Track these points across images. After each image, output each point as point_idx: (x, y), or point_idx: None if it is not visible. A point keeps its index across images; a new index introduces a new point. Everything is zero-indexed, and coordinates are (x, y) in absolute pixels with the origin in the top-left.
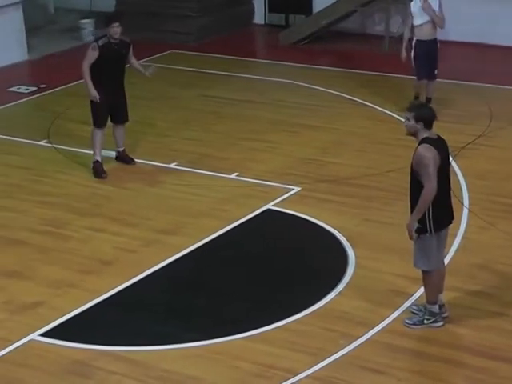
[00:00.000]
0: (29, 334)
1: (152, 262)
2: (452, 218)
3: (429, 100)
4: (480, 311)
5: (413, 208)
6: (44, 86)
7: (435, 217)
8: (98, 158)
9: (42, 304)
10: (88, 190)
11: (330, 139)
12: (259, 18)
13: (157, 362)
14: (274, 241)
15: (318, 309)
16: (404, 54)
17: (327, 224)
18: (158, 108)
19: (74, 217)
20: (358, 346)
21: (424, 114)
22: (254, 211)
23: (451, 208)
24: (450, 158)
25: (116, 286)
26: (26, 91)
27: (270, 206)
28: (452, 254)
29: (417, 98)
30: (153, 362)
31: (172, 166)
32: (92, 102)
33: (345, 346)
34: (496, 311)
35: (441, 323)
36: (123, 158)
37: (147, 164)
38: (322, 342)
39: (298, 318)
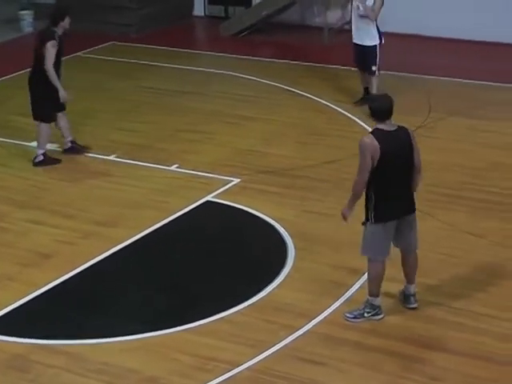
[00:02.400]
0: None
1: (91, 254)
2: (402, 212)
3: (366, 89)
4: (419, 301)
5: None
6: None
7: (377, 208)
8: (45, 150)
9: None
10: (26, 183)
11: (269, 130)
12: (199, 9)
13: (96, 355)
14: (214, 232)
15: (258, 300)
16: None
17: (267, 215)
18: (96, 99)
19: (13, 209)
20: (298, 338)
21: (373, 108)
22: (194, 203)
23: (402, 202)
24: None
25: (55, 279)
26: None
27: (209, 197)
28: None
29: (366, 89)
30: (91, 355)
31: (111, 157)
32: (43, 98)
33: (285, 338)
34: (435, 301)
35: (381, 316)
36: (76, 149)
37: (86, 156)
38: (263, 333)
39: (239, 310)
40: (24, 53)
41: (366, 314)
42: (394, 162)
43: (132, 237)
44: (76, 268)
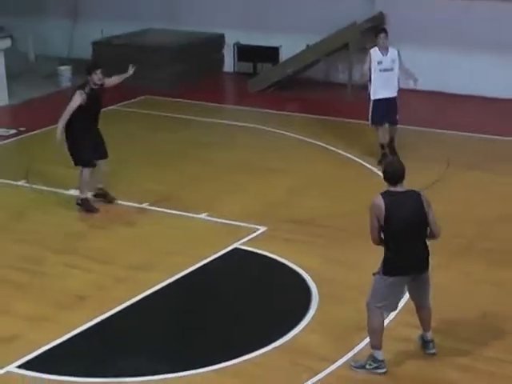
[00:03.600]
0: (5, 366)
1: (125, 297)
2: (412, 270)
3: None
4: (438, 347)
5: None
6: (23, 129)
7: (387, 262)
8: (87, 196)
9: (18, 337)
10: (63, 229)
11: (295, 181)
12: (229, 66)
13: None
14: (242, 278)
15: (283, 343)
16: None
17: (292, 263)
18: (129, 149)
19: (50, 254)
20: (320, 380)
21: (385, 173)
22: (222, 250)
23: (413, 261)
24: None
25: (90, 320)
26: (7, 133)
27: (237, 244)
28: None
29: (382, 146)
30: None
31: (144, 205)
32: (80, 144)
33: (307, 380)
34: (454, 347)
35: (384, 370)
36: (105, 196)
37: (120, 204)
38: (286, 375)
39: (264, 352)
40: (61, 106)
41: (367, 366)
42: (402, 221)
43: (163, 282)
44: (110, 310)
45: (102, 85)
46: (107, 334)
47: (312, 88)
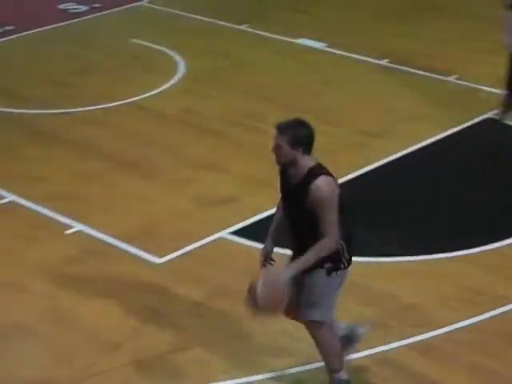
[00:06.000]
0: (219, 231)
1: (352, 165)
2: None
3: None
4: None
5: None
6: None
7: (337, 254)
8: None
9: (236, 200)
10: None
11: None
12: None
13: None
14: (495, 151)
15: None
16: None
17: None
18: None
19: (271, 111)
20: None
21: (303, 136)
22: (474, 118)
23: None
24: None
25: None
26: None
27: (490, 114)
28: None
29: None
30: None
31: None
32: None
33: None
34: None
35: None
36: None
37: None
38: None
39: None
40: None
41: None
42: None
43: (399, 151)
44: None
45: None
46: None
47: None
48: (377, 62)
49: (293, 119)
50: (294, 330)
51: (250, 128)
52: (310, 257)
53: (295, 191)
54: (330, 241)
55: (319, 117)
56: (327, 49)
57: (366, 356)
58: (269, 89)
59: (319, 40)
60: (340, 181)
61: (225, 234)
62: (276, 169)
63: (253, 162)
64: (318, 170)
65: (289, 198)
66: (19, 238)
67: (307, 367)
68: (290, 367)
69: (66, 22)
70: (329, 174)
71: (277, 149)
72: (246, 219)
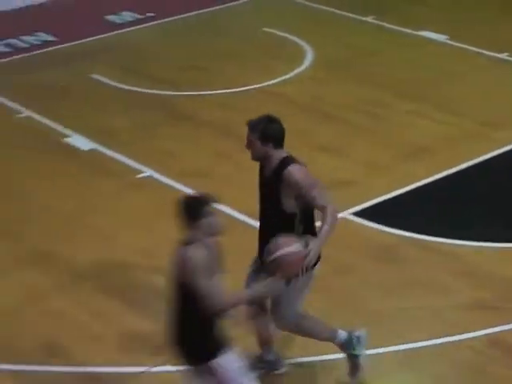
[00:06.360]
0: (341, 212)
1: (471, 154)
2: None
3: None
4: None
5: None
6: None
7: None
8: None
9: (356, 183)
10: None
11: None
12: None
13: (464, 255)
14: None
15: None
16: None
17: None
18: None
19: (394, 99)
20: None
21: (272, 131)
22: None
23: None
24: None
25: (431, 175)
26: None
27: None
28: None
29: None
30: (463, 257)
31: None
32: None
33: None
34: None
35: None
36: None
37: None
38: None
39: None
40: None
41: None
42: None
43: None
44: (455, 166)
45: None
46: (446, 192)
47: None
48: (497, 55)
49: (263, 116)
50: None
51: (372, 114)
52: (327, 227)
53: (269, 180)
54: (332, 207)
55: (440, 106)
56: (448, 41)
57: (480, 336)
58: (391, 78)
59: (441, 32)
60: (458, 168)
61: (347, 214)
62: (394, 154)
63: (374, 147)
64: (290, 160)
65: (263, 188)
66: (154, 211)
67: None
68: None
69: (202, 10)
70: (300, 163)
71: (249, 145)
72: (365, 202)
